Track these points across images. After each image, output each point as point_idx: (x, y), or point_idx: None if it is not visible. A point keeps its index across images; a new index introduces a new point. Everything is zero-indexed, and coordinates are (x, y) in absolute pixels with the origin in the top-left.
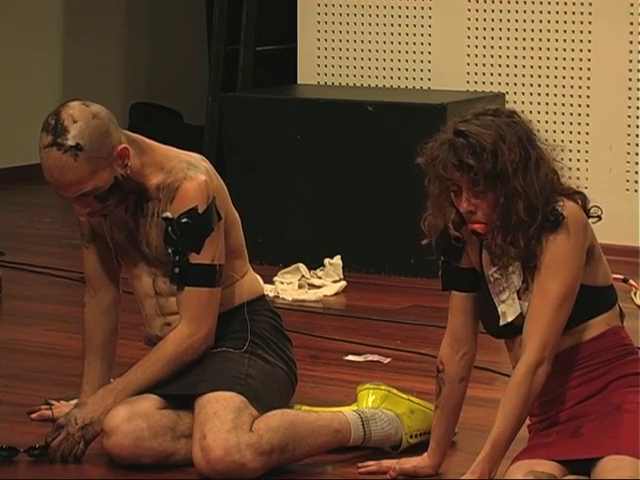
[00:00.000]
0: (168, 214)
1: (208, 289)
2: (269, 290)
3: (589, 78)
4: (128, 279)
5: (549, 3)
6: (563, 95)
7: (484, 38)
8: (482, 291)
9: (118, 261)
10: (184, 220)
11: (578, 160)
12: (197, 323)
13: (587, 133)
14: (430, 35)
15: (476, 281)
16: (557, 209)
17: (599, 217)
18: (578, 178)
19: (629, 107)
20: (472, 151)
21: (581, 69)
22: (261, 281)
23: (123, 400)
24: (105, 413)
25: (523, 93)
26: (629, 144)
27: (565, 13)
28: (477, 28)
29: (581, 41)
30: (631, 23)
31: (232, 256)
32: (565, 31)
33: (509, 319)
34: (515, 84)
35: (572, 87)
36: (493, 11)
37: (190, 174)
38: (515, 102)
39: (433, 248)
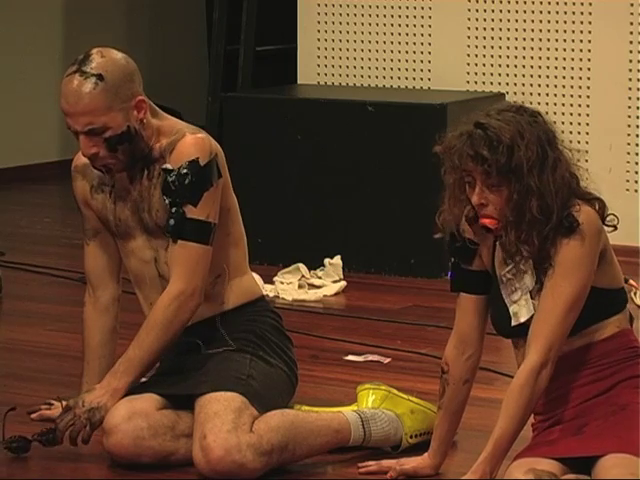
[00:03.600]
0: (168, 165)
1: (200, 246)
2: (269, 290)
3: (589, 78)
4: (127, 263)
5: (549, 3)
6: (563, 95)
7: (484, 38)
8: (493, 292)
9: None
10: (184, 171)
11: (578, 160)
12: (185, 280)
13: (587, 133)
14: (430, 35)
15: (485, 283)
16: (573, 215)
17: (615, 227)
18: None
19: (629, 107)
20: (488, 143)
21: (581, 69)
22: (260, 281)
23: (129, 380)
24: (112, 398)
25: (523, 93)
26: (629, 144)
27: (565, 13)
28: (477, 28)
29: (581, 41)
30: (631, 23)
31: (229, 240)
32: (565, 31)
33: (522, 320)
34: (515, 84)
35: (572, 87)
36: (493, 11)
37: (193, 131)
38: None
39: (445, 246)
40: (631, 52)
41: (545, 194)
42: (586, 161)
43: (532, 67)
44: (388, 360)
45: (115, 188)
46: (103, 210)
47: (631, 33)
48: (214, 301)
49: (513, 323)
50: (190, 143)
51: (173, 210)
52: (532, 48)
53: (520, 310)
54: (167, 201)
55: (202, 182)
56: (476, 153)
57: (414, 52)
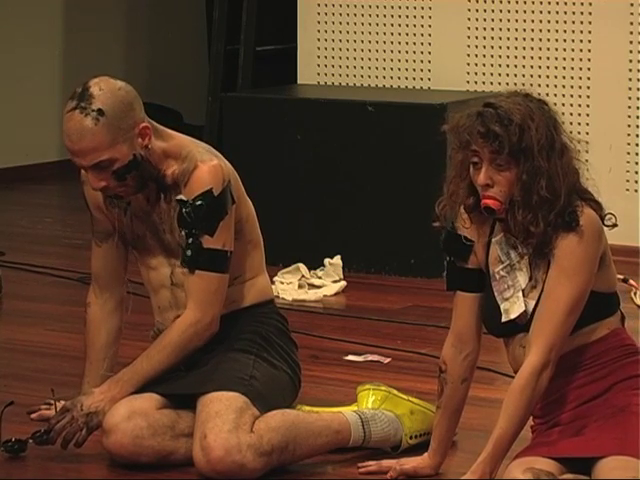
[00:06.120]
0: (182, 196)
1: (217, 275)
2: None
3: (589, 78)
4: (142, 272)
5: (549, 3)
6: (563, 95)
7: (484, 38)
8: (485, 290)
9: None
10: (199, 202)
11: (579, 152)
12: (203, 309)
13: (587, 133)
14: (430, 35)
15: (481, 282)
16: (577, 213)
17: (615, 225)
18: None
19: (629, 107)
20: (500, 121)
21: (581, 69)
22: None
23: (129, 391)
24: (110, 404)
25: None
26: (629, 144)
27: (565, 13)
28: (477, 28)
29: (581, 41)
30: (631, 23)
31: (250, 246)
32: (565, 31)
33: (512, 316)
34: (515, 84)
35: (572, 87)
36: (493, 11)
37: (204, 158)
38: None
39: (441, 245)
40: (631, 52)
41: (553, 176)
42: (586, 161)
43: (532, 67)
44: (388, 360)
45: (131, 207)
46: (119, 224)
47: (631, 33)
48: (228, 299)
49: (503, 319)
50: (204, 172)
51: (190, 241)
52: (532, 48)
53: (511, 307)
54: (183, 232)
55: (217, 212)
56: (488, 130)
57: (414, 52)
